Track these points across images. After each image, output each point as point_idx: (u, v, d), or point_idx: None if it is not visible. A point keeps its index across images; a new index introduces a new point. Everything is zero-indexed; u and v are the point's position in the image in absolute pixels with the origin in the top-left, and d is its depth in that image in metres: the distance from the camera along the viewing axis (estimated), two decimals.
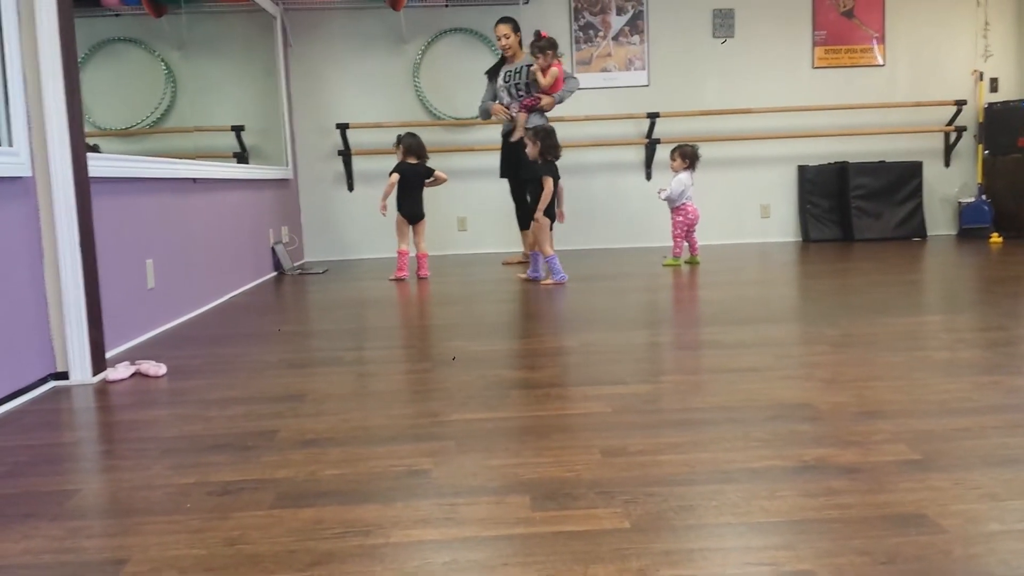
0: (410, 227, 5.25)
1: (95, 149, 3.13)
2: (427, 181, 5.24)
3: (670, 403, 2.21)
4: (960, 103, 6.68)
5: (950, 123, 6.77)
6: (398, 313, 4.00)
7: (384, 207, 5.14)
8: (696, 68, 6.70)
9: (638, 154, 6.76)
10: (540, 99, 5.30)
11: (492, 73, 5.60)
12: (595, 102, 6.64)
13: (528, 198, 5.03)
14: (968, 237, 6.56)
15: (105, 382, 2.73)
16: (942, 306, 3.69)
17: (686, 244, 5.47)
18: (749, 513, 1.48)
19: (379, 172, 5.98)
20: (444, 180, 5.30)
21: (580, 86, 5.60)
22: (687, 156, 5.38)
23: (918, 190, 6.65)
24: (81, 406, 2.47)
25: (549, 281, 4.69)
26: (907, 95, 6.78)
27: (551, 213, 4.82)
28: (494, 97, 5.58)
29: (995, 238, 6.19)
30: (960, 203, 6.78)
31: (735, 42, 6.71)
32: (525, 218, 5.17)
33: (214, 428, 2.14)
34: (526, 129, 5.11)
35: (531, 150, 4.78)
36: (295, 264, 6.15)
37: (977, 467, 1.66)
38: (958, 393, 2.21)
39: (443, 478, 1.71)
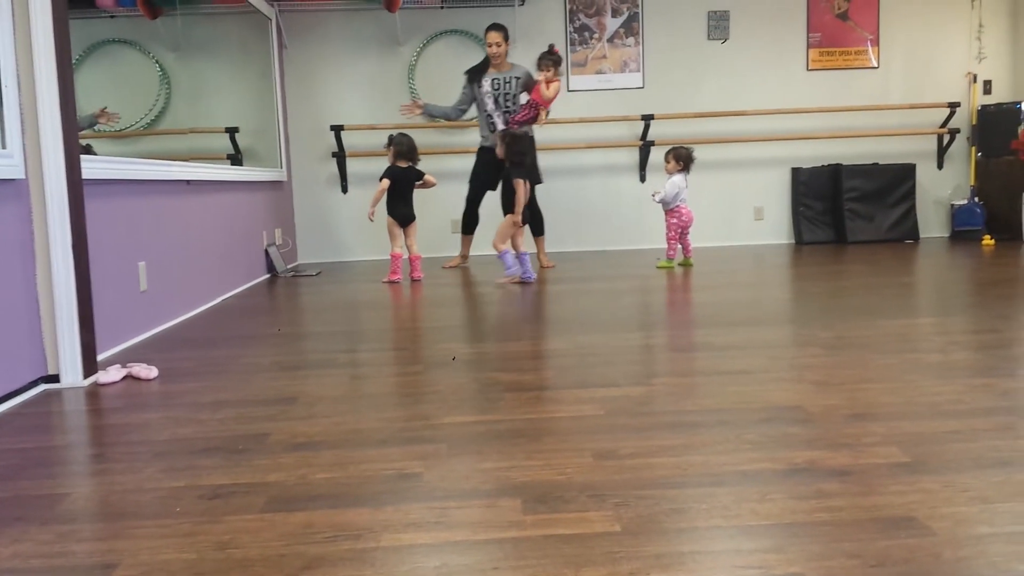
0: (402, 229, 5.25)
1: (88, 150, 3.12)
2: (417, 184, 5.24)
3: (662, 406, 2.21)
4: (953, 106, 6.70)
5: (943, 125, 6.79)
6: (391, 315, 4.00)
7: (372, 213, 5.15)
8: (691, 70, 6.71)
9: (632, 156, 6.76)
10: (539, 114, 5.34)
11: (473, 75, 5.57)
12: (590, 104, 6.65)
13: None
14: (960, 239, 6.58)
15: (96, 385, 2.72)
16: (934, 309, 3.70)
17: (680, 246, 5.48)
18: (740, 516, 1.49)
19: (373, 174, 5.95)
20: (433, 184, 5.30)
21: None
22: (681, 158, 5.39)
23: (911, 192, 6.67)
24: (72, 409, 2.47)
25: (503, 279, 4.80)
26: (901, 97, 6.80)
27: (523, 215, 4.96)
28: (472, 99, 5.58)
29: (987, 241, 6.20)
30: (953, 205, 6.79)
31: (729, 44, 6.72)
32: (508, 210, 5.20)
33: (205, 431, 2.14)
34: (500, 131, 5.26)
35: (499, 150, 5.02)
36: (288, 266, 6.15)
37: (968, 470, 1.67)
38: (949, 396, 2.21)
39: (434, 481, 1.71)
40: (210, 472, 1.82)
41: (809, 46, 6.76)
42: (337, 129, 6.41)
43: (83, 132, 3.30)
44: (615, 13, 6.66)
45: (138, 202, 3.55)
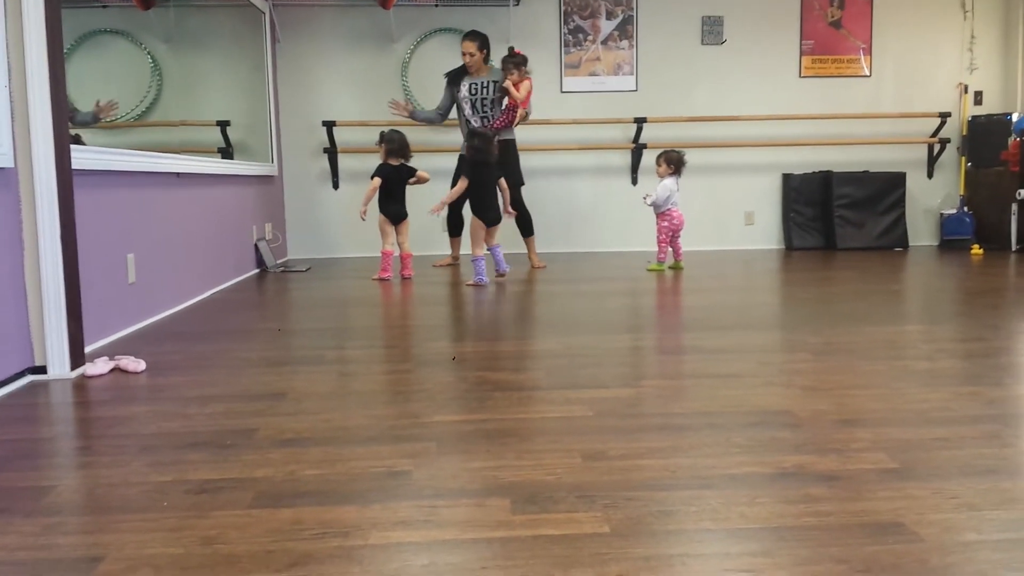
0: (393, 227, 5.24)
1: (78, 140, 3.09)
2: (410, 181, 5.23)
3: (651, 408, 2.21)
4: (944, 115, 6.74)
5: (934, 135, 6.83)
6: (381, 313, 3.99)
7: (364, 212, 5.13)
8: (684, 74, 6.73)
9: (624, 159, 6.77)
10: (515, 116, 5.39)
11: (453, 78, 5.59)
12: (583, 106, 6.65)
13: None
14: (949, 248, 6.62)
15: (84, 377, 2.70)
16: (923, 316, 3.72)
17: (670, 249, 5.48)
18: (728, 519, 1.49)
19: (365, 171, 5.94)
20: (426, 180, 5.28)
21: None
22: (673, 162, 5.40)
23: (901, 200, 6.70)
24: (59, 401, 2.45)
25: (471, 281, 4.79)
26: (892, 106, 6.83)
27: (489, 215, 4.97)
28: (452, 102, 5.60)
29: (976, 250, 6.24)
30: (942, 214, 6.84)
31: (723, 50, 6.73)
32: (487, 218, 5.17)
33: (193, 425, 2.12)
34: (468, 130, 5.37)
35: (465, 149, 5.21)
36: (278, 261, 6.12)
37: (955, 476, 1.68)
38: (937, 403, 2.23)
39: (423, 480, 1.71)
40: (197, 467, 1.81)
41: (802, 53, 6.79)
42: (329, 125, 6.39)
43: (88, 127, 3.30)
44: (609, 16, 6.66)
45: (128, 194, 3.53)
